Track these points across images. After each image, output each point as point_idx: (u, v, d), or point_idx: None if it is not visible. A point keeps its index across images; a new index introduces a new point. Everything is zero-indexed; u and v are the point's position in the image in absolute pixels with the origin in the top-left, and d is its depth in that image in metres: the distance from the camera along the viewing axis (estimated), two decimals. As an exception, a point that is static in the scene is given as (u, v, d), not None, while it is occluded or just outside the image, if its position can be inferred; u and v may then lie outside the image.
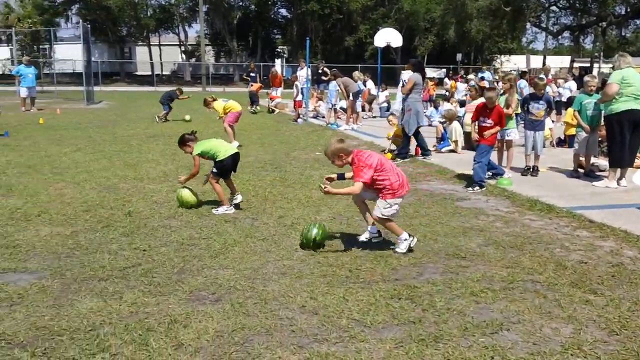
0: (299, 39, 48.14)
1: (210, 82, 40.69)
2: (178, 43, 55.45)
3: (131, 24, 48.84)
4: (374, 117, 18.89)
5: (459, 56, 45.09)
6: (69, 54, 48.15)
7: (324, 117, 17.88)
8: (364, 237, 5.31)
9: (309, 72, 18.22)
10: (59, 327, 3.52)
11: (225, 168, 6.44)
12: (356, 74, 16.99)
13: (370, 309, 3.86)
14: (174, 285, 4.24)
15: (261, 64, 40.27)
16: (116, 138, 12.69)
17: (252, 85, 21.72)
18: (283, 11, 55.60)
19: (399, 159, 10.00)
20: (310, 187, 7.76)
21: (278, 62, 56.10)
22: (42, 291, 4.08)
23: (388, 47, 23.62)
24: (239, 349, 3.30)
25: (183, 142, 6.57)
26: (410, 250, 5.05)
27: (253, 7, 51.82)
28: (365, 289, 4.20)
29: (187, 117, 17.20)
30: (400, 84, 12.30)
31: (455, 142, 11.28)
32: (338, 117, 16.87)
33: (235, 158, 6.53)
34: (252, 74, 23.03)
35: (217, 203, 6.53)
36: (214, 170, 6.41)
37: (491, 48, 57.78)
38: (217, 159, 6.37)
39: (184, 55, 56.70)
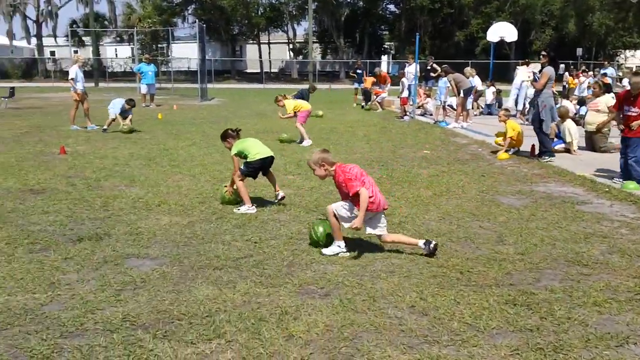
0: (407, 34, 47.65)
1: (317, 79, 41.21)
2: (286, 41, 56.66)
3: (243, 22, 50.49)
4: (479, 114, 18.31)
5: (579, 51, 42.67)
6: (184, 52, 50.68)
7: (431, 114, 17.56)
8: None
9: (418, 69, 17.95)
10: (178, 311, 3.69)
11: (252, 169, 6.34)
12: (468, 69, 16.50)
13: (483, 313, 3.73)
14: (284, 278, 4.31)
15: (367, 60, 40.28)
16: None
17: (365, 80, 21.69)
18: (391, 7, 55.27)
19: (545, 157, 9.54)
20: (418, 186, 7.64)
21: (384, 58, 55.87)
22: (162, 277, 4.30)
23: (501, 41, 22.80)
24: (349, 345, 3.30)
25: (224, 137, 6.61)
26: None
27: (361, 3, 51.91)
28: (478, 292, 4.07)
29: (320, 113, 17.53)
30: (527, 78, 11.73)
31: (570, 142, 10.63)
32: (447, 115, 16.51)
33: (266, 161, 6.40)
34: (358, 71, 23.07)
35: (295, 202, 6.58)
36: (242, 168, 6.33)
37: (615, 42, 54.07)
38: (246, 159, 6.33)
39: (291, 53, 57.86)
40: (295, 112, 11.62)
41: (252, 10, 48.30)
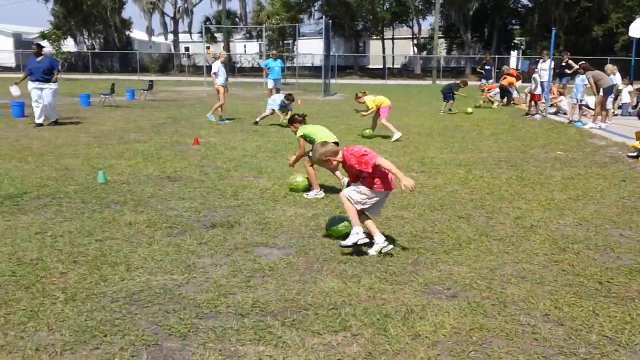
0: (540, 29, 45.43)
1: (441, 75, 40.43)
2: (411, 36, 56.05)
3: (367, 18, 50.61)
4: (615, 114, 17.03)
5: None
6: (309, 48, 51.71)
7: (565, 113, 16.61)
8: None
9: (552, 65, 17.03)
10: (305, 301, 3.76)
11: None
12: (609, 66, 15.39)
13: (626, 327, 3.46)
14: (409, 276, 4.26)
15: (496, 56, 38.83)
16: (350, 129, 13.25)
17: (504, 78, 20.93)
18: (524, 0, 52.89)
19: None
20: (552, 189, 7.25)
21: (514, 54, 53.62)
22: (289, 266, 4.41)
23: (645, 37, 21.05)
24: (477, 349, 3.19)
25: (291, 121, 7.07)
26: (355, 245, 4.65)
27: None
28: (619, 304, 3.78)
29: (469, 110, 17.34)
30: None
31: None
32: (583, 114, 15.54)
33: None
34: (487, 67, 22.33)
35: (419, 201, 6.43)
36: (310, 153, 6.25)
37: None
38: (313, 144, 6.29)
39: (415, 49, 57.17)
40: (377, 108, 11.62)
41: (377, 6, 48.29)
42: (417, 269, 4.41)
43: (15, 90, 13.69)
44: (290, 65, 43.20)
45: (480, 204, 6.46)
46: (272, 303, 3.73)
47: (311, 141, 6.55)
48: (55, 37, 38.79)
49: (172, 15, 53.15)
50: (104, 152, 9.53)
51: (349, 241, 4.67)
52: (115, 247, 4.79)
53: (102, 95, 19.42)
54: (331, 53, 31.46)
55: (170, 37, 55.39)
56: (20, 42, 51.59)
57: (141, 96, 22.14)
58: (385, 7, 50.16)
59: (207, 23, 53.22)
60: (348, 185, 4.95)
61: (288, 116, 13.53)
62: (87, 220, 5.58)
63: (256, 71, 47.12)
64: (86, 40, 54.23)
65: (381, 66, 50.26)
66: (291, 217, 5.81)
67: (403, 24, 55.31)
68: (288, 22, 45.80)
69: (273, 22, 46.14)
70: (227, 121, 14.44)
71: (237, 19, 55.76)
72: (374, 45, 59.11)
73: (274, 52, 23.50)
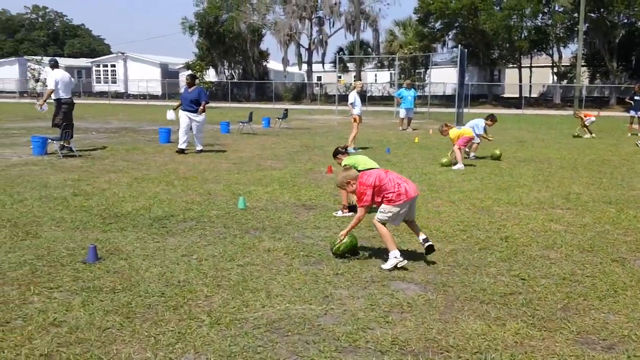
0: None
1: (583, 105, 38.19)
2: (550, 64, 53.63)
3: (504, 46, 49.19)
4: None
5: None
6: (441, 77, 51.18)
7: None
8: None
9: None
10: (447, 342, 3.60)
11: None
12: None
13: None
14: (559, 322, 3.96)
15: (644, 85, 35.97)
16: (486, 160, 12.80)
17: None
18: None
19: None
20: None
21: (665, 83, 49.42)
22: (428, 303, 4.27)
23: None
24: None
25: (335, 154, 7.72)
26: (396, 268, 5.02)
27: None
28: None
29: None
30: None
31: None
32: None
33: None
34: (636, 97, 20.74)
35: (567, 240, 5.95)
36: None
37: None
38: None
39: (555, 77, 54.55)
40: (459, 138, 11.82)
41: (515, 34, 46.80)
42: (567, 315, 4.09)
43: (170, 115, 14.50)
44: (421, 94, 42.98)
45: (635, 247, 5.92)
46: (412, 342, 3.61)
47: (355, 168, 6.87)
48: (199, 68, 41.56)
49: (307, 46, 55.07)
50: (243, 179, 9.94)
51: (389, 265, 5.08)
52: (256, 273, 4.92)
53: (240, 123, 20.41)
54: (465, 82, 30.87)
55: (304, 67, 57.35)
56: (167, 72, 55.89)
57: (276, 124, 23.00)
58: (523, 35, 48.50)
59: (340, 53, 54.45)
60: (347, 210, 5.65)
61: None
62: (229, 245, 5.79)
63: (386, 100, 47.40)
64: (226, 71, 57.59)
65: (516, 95, 48.45)
66: (427, 251, 5.66)
67: (542, 52, 53.08)
68: (421, 51, 45.67)
69: (406, 51, 46.21)
70: (358, 150, 14.55)
71: (369, 49, 56.53)
72: (510, 74, 57.26)
73: (408, 81, 23.49)
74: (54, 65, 13.42)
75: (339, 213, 7.28)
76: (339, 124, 24.69)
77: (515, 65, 52.89)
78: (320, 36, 54.67)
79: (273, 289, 4.54)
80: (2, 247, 5.60)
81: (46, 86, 13.03)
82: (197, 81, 15.04)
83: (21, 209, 7.27)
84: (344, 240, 5.39)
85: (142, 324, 3.83)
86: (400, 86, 28.43)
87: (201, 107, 13.45)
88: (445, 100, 46.76)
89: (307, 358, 3.38)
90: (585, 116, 19.65)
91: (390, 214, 5.22)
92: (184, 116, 13.53)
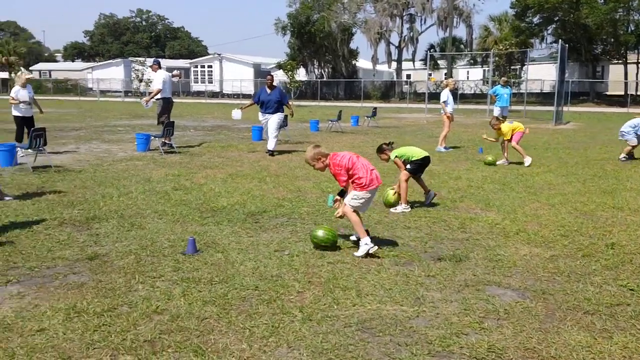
0: None
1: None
2: (659, 61, 50.18)
3: (608, 41, 46.56)
4: None
5: None
6: (537, 73, 49.16)
7: None
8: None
9: None
10: (547, 353, 3.44)
11: (416, 165, 7.60)
12: None
13: None
14: (671, 338, 3.69)
15: None
16: (589, 161, 12.17)
17: None
18: None
19: None
20: None
21: None
22: (526, 311, 4.10)
23: None
24: None
25: (380, 151, 7.64)
26: (368, 255, 5.21)
27: None
28: None
29: None
30: None
31: None
32: None
33: (426, 159, 7.75)
34: None
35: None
36: (408, 167, 7.52)
37: None
38: (412, 160, 7.55)
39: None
40: (512, 133, 11.64)
41: (620, 28, 44.14)
42: (681, 331, 3.80)
43: (237, 114, 13.76)
44: (516, 91, 41.49)
45: None
46: (510, 350, 3.48)
47: (406, 159, 7.60)
48: (290, 67, 42.24)
49: (397, 44, 54.62)
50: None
51: (361, 252, 5.28)
52: (346, 271, 4.92)
53: (329, 122, 20.55)
54: (565, 78, 29.50)
55: (394, 65, 56.90)
56: (259, 72, 57.19)
57: (365, 123, 22.97)
58: (629, 29, 45.68)
59: (431, 50, 53.59)
60: (338, 197, 5.66)
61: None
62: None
63: (478, 98, 46.17)
64: (316, 70, 58.17)
65: (622, 93, 45.72)
66: (525, 256, 5.45)
67: (650, 47, 49.76)
68: (517, 47, 44.06)
69: (501, 47, 44.74)
70: (449, 149, 14.26)
71: (462, 45, 55.26)
72: (614, 70, 54.08)
73: (504, 78, 22.71)
74: (158, 65, 14.05)
75: (399, 208, 7.37)
76: (428, 123, 24.32)
77: (620, 61, 49.85)
78: (411, 33, 54.04)
79: (363, 287, 4.53)
80: (110, 236, 5.95)
81: (149, 86, 13.67)
82: (286, 80, 15.30)
83: (127, 201, 7.69)
84: (319, 234, 5.52)
85: (238, 316, 3.94)
86: (494, 83, 27.59)
87: (291, 110, 13.42)
88: (543, 97, 44.96)
89: (400, 360, 3.34)
90: None
91: (363, 200, 5.50)
92: (263, 120, 13.26)
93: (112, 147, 14.20)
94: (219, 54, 61.15)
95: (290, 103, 13.53)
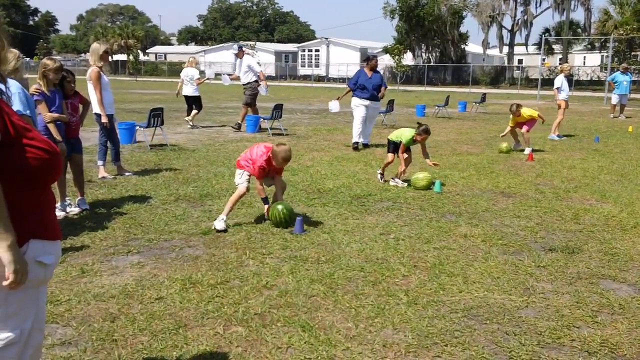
0: None
1: None
2: None
3: None
4: None
5: None
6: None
7: None
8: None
9: None
10: (665, 353, 3.29)
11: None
12: None
13: None
14: None
15: None
16: None
17: None
18: None
19: None
20: None
21: None
22: (644, 308, 3.92)
23: None
24: None
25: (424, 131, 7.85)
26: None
27: None
28: None
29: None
30: None
31: None
32: None
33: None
34: None
35: None
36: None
37: None
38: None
39: None
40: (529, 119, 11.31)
41: None
42: None
43: (334, 106, 12.39)
44: (636, 79, 38.73)
45: None
46: (625, 346, 3.35)
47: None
48: (397, 51, 41.79)
49: (509, 27, 52.52)
50: (439, 162, 9.86)
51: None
52: (452, 258, 4.90)
53: (436, 107, 20.22)
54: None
55: (505, 49, 54.79)
56: (366, 56, 57.10)
57: (472, 108, 22.39)
58: None
59: (546, 34, 51.04)
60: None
61: None
62: (425, 227, 5.84)
63: (594, 85, 43.55)
64: (423, 54, 57.17)
65: None
66: (644, 251, 5.17)
67: None
68: (639, 32, 41.02)
69: (621, 31, 41.83)
70: (563, 137, 13.63)
71: (579, 30, 52.21)
72: None
73: (624, 65, 21.37)
74: (243, 51, 14.44)
75: (396, 181, 7.96)
76: (540, 109, 23.28)
77: None
78: (525, 17, 51.73)
79: (470, 275, 4.50)
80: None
81: (253, 69, 13.99)
82: (393, 64, 14.68)
83: (236, 180, 8.03)
84: (280, 208, 5.74)
85: (344, 295, 4.05)
86: (613, 70, 25.94)
87: (382, 93, 11.78)
88: (668, 85, 41.63)
89: (507, 349, 3.31)
90: None
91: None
92: (361, 107, 11.48)
93: (223, 128, 14.81)
94: (327, 38, 61.64)
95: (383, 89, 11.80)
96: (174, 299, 3.96)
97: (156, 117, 10.96)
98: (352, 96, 11.68)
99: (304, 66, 61.32)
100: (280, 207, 5.74)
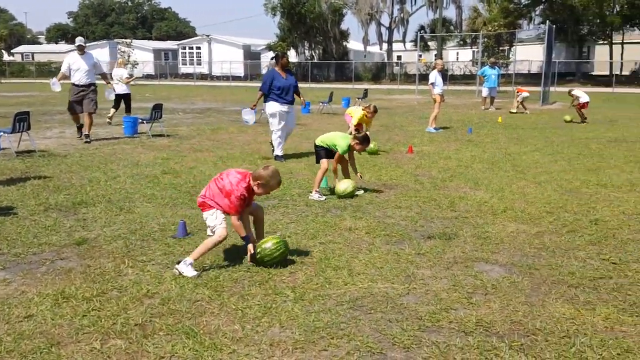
0: None
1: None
2: (645, 40, 50.44)
3: (594, 22, 46.67)
4: None
5: None
6: (525, 54, 49.21)
7: None
8: None
9: None
10: (533, 325, 3.52)
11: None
12: None
13: None
14: (653, 309, 3.78)
15: None
16: (574, 140, 12.29)
17: None
18: None
19: None
20: None
21: None
22: (513, 286, 4.18)
23: None
24: None
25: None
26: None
27: None
28: None
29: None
30: None
31: None
32: None
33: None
34: None
35: None
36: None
37: None
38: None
39: (650, 53, 51.26)
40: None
41: (606, 9, 44.23)
42: (663, 303, 3.89)
43: (249, 116, 10.51)
44: (505, 72, 41.54)
45: None
46: (497, 324, 3.56)
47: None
48: (280, 49, 41.98)
49: (387, 25, 54.42)
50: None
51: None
52: (338, 251, 4.98)
53: (320, 103, 20.52)
54: (552, 59, 29.56)
55: (385, 46, 56.73)
56: (249, 54, 56.77)
57: (356, 104, 22.95)
58: (615, 10, 45.77)
59: (421, 32, 53.46)
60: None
61: None
62: (311, 223, 5.88)
63: (468, 79, 46.17)
64: (306, 51, 57.85)
65: (607, 73, 45.93)
66: (512, 233, 5.54)
67: (635, 28, 49.91)
68: (505, 28, 44.06)
69: (490, 28, 44.68)
70: (439, 130, 14.32)
71: (451, 27, 55.17)
72: (600, 51, 54.27)
73: (492, 60, 22.79)
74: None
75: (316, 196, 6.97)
76: (418, 104, 24.34)
77: (606, 42, 50.06)
78: (402, 14, 53.88)
79: (355, 266, 4.59)
80: (98, 221, 5.94)
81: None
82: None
83: (115, 185, 7.67)
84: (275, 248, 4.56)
85: (230, 298, 3.98)
86: (483, 64, 27.63)
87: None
88: (530, 78, 44.95)
89: (390, 336, 3.41)
90: (518, 91, 20.04)
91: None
92: (282, 113, 9.90)
93: (99, 130, 14.10)
94: (208, 35, 60.62)
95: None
96: (45, 316, 3.69)
97: (22, 121, 10.19)
98: (267, 101, 9.91)
99: (185, 64, 59.93)
100: (269, 244, 4.56)
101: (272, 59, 10.49)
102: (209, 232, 4.84)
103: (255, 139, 12.63)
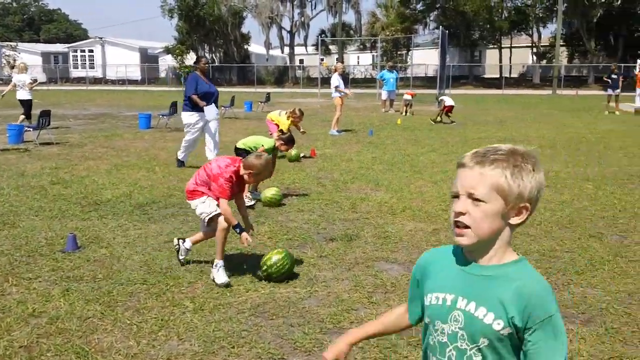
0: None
1: (562, 85, 38.42)
2: (530, 45, 53.88)
3: (484, 27, 49.27)
4: None
5: None
6: (423, 58, 51.09)
7: None
8: None
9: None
10: (430, 323, 3.61)
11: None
12: None
13: None
14: (541, 300, 3.99)
15: (622, 64, 36.27)
16: (467, 141, 12.85)
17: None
18: (653, 5, 48.97)
19: None
20: (699, 208, 6.58)
21: (642, 62, 49.82)
22: (411, 284, 4.27)
23: None
24: (626, 387, 2.90)
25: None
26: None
27: (618, 2, 47.00)
28: None
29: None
30: None
31: None
32: None
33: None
34: (613, 76, 20.95)
35: (546, 217, 6.00)
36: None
37: None
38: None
39: (534, 57, 54.85)
40: None
41: (495, 14, 46.85)
42: (549, 293, 4.12)
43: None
44: (403, 75, 42.92)
45: (612, 222, 6.01)
46: (396, 322, 3.61)
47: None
48: (179, 52, 41.06)
49: (289, 28, 54.69)
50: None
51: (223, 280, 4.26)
52: (240, 258, 4.88)
53: (222, 108, 20.21)
54: (446, 63, 30.86)
55: (287, 50, 56.97)
56: (146, 57, 55.07)
57: (258, 108, 22.86)
58: (503, 16, 48.55)
59: (322, 36, 54.12)
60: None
61: None
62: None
63: (369, 82, 47.28)
64: (207, 55, 57.01)
65: (497, 75, 48.63)
66: (411, 231, 5.68)
67: (522, 33, 53.25)
68: (402, 33, 45.55)
69: (388, 33, 46.07)
70: (342, 132, 14.52)
71: (351, 31, 56.30)
72: (490, 55, 57.39)
73: (390, 63, 23.43)
74: None
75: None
76: (321, 107, 24.59)
77: (495, 46, 53.05)
78: (302, 18, 54.32)
79: (257, 273, 4.52)
80: (-20, 237, 5.50)
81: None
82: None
83: (-1, 198, 7.15)
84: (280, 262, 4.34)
85: (124, 312, 3.79)
86: (382, 68, 28.37)
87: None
88: (427, 81, 46.70)
89: (292, 341, 3.38)
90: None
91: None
92: (207, 120, 9.53)
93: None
94: (101, 38, 58.14)
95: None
96: None
97: None
98: (187, 110, 9.42)
99: (77, 68, 57.10)
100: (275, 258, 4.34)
101: (194, 62, 9.18)
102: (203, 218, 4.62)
103: (153, 145, 12.24)
